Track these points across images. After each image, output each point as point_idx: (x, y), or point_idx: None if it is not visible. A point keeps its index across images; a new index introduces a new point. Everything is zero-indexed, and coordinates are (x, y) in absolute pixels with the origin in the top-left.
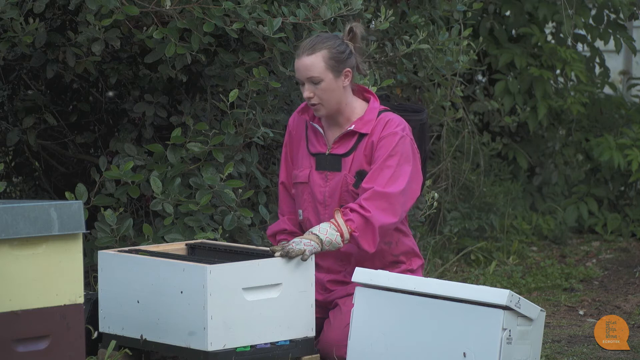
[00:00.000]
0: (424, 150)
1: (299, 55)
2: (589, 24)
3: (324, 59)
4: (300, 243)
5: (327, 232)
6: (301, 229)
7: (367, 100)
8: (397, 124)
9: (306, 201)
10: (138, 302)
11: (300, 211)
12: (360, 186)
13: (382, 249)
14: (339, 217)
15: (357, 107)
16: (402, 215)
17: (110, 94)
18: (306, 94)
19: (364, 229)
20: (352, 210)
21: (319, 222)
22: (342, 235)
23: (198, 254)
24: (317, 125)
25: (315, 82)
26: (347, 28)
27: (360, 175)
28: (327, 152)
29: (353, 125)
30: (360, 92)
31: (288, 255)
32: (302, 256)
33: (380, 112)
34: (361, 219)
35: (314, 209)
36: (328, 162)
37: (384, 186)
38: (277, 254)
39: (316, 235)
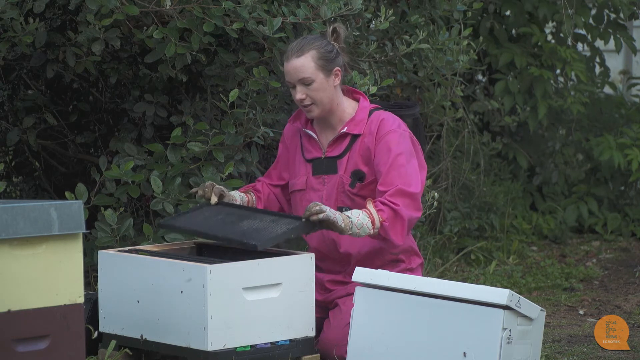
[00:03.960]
0: (420, 145)
1: (288, 58)
2: (589, 23)
3: (313, 59)
4: (326, 208)
5: (360, 216)
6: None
7: (356, 101)
8: (392, 122)
9: (305, 207)
10: (138, 302)
11: None
12: (377, 190)
13: (381, 248)
14: (371, 207)
15: (348, 108)
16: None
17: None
18: (298, 96)
19: (393, 221)
20: (381, 202)
21: None
22: (373, 223)
23: (206, 253)
24: (310, 132)
25: (306, 83)
26: (331, 29)
27: (356, 175)
28: (323, 156)
29: (345, 128)
30: (350, 93)
31: (309, 214)
32: (317, 216)
33: (371, 112)
34: (391, 211)
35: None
36: (324, 166)
37: (405, 185)
38: (306, 213)
39: (347, 216)
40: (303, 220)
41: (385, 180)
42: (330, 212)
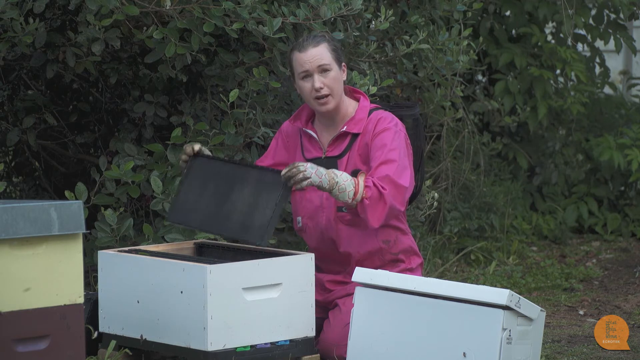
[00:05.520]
0: (419, 145)
1: (304, 48)
2: (589, 24)
3: (329, 50)
4: (313, 167)
5: (347, 181)
6: (296, 234)
7: (357, 100)
8: (390, 120)
9: (305, 208)
10: (138, 302)
11: (299, 218)
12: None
13: (381, 248)
14: (361, 180)
15: (349, 107)
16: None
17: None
18: (317, 84)
19: (376, 202)
20: (371, 182)
21: (316, 226)
22: (355, 194)
23: (206, 253)
24: (310, 131)
25: (325, 70)
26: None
27: (355, 174)
28: (323, 156)
29: (345, 127)
30: (351, 93)
31: (288, 176)
32: (299, 184)
33: (371, 111)
34: (377, 192)
35: (311, 214)
36: (324, 166)
37: (395, 176)
38: (283, 172)
39: (334, 175)
40: (282, 190)
41: (376, 171)
42: (315, 177)
